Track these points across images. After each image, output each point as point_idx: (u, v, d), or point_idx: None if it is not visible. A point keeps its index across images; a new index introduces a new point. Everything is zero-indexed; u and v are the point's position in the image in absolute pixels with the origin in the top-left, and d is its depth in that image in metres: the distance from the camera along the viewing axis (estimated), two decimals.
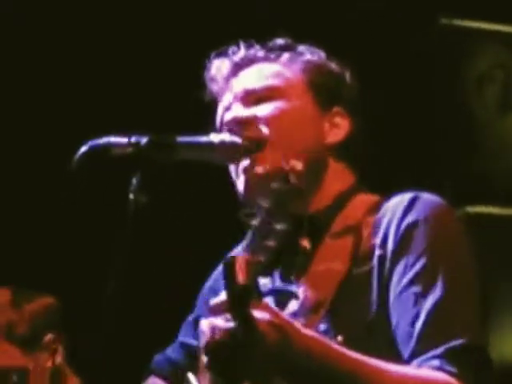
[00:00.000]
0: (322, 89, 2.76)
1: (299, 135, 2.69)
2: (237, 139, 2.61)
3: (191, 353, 2.82)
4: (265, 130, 2.66)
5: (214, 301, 2.17)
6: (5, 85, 4.78)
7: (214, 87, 2.81)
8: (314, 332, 2.34)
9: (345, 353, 2.32)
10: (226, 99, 2.77)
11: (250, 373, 2.22)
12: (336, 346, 2.34)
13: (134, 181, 2.41)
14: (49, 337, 3.66)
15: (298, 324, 2.29)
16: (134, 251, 2.37)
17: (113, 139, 2.50)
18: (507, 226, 4.86)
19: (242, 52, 2.81)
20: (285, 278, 2.67)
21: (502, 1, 4.88)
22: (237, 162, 2.66)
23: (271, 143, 2.65)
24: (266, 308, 2.20)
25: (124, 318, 2.37)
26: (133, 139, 2.49)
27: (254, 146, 2.65)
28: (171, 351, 2.91)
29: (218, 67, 2.81)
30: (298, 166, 2.58)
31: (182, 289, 3.03)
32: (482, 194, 4.90)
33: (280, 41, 2.85)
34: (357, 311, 2.53)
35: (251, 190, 2.65)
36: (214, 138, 2.60)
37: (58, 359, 3.67)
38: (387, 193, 2.72)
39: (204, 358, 2.20)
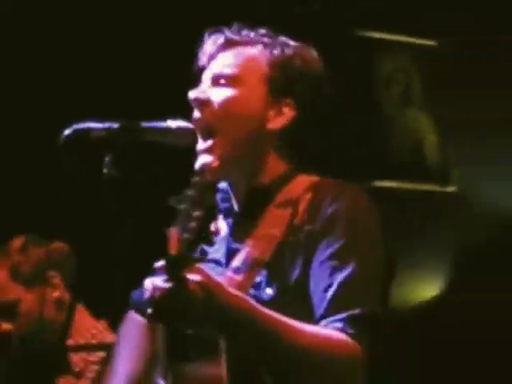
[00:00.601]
0: (278, 81, 2.61)
1: (243, 121, 2.60)
2: (190, 125, 2.57)
3: None
4: (216, 112, 2.60)
5: (157, 264, 2.20)
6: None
7: (200, 62, 2.71)
8: (239, 292, 2.36)
9: (264, 311, 2.35)
10: (205, 75, 2.69)
11: (185, 323, 2.29)
12: (258, 306, 2.36)
13: (107, 158, 2.44)
14: (50, 274, 3.74)
15: (225, 285, 2.31)
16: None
17: (91, 124, 2.50)
18: (405, 197, 4.92)
19: (226, 34, 2.68)
20: (234, 239, 2.64)
21: (404, 16, 4.80)
22: (191, 143, 2.63)
23: (220, 133, 2.59)
24: (199, 271, 2.22)
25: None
26: (107, 124, 2.49)
27: (205, 133, 2.61)
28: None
29: (207, 46, 2.69)
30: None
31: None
32: (386, 171, 4.92)
33: (263, 30, 2.69)
34: (286, 272, 2.51)
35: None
36: (171, 123, 2.56)
37: (57, 292, 3.73)
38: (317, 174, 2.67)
39: (149, 310, 2.24)
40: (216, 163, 2.59)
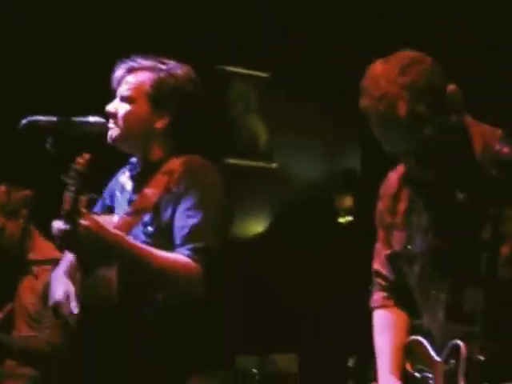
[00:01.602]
0: (157, 97, 2.60)
1: (135, 125, 2.61)
2: (103, 120, 2.57)
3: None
4: (119, 120, 2.61)
5: (62, 211, 2.30)
6: None
7: (113, 84, 2.68)
8: (118, 231, 2.40)
9: (134, 242, 2.41)
10: (117, 93, 2.66)
11: (79, 252, 2.41)
12: (129, 239, 2.40)
13: (49, 140, 2.47)
14: (23, 211, 3.69)
15: (107, 226, 2.36)
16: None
17: (40, 117, 2.51)
18: (250, 172, 4.94)
19: (128, 64, 2.65)
20: (134, 193, 2.65)
21: (248, 56, 4.68)
22: (104, 132, 2.61)
23: (119, 129, 2.62)
24: (88, 218, 2.30)
25: None
26: (49, 118, 2.50)
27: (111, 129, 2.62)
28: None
29: (116, 72, 2.67)
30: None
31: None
32: (234, 153, 4.90)
33: (152, 58, 2.65)
34: (162, 217, 2.53)
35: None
36: (91, 118, 2.56)
37: (21, 222, 3.69)
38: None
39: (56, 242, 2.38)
40: (114, 135, 2.61)
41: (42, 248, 3.70)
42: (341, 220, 4.98)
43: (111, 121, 2.61)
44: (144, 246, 2.42)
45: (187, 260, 2.42)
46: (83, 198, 2.30)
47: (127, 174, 2.73)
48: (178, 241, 2.46)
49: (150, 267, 2.40)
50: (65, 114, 2.51)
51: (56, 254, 3.39)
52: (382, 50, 2.10)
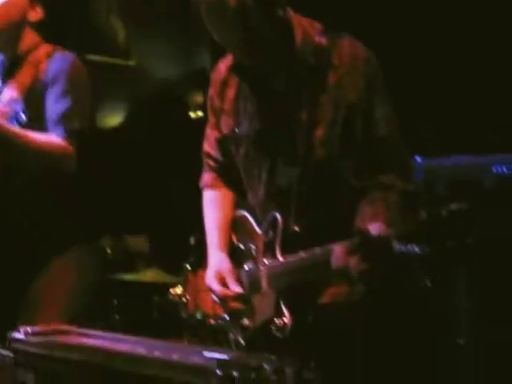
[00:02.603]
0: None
1: (13, 11, 2.46)
2: None
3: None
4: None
5: None
6: None
7: None
8: (8, 124, 2.35)
9: (20, 130, 2.33)
10: None
11: None
12: (15, 128, 2.34)
13: None
14: None
15: (4, 123, 2.32)
16: None
17: None
18: (108, 68, 4.55)
19: None
20: (2, 84, 2.52)
21: None
22: None
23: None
24: None
25: None
26: None
27: None
28: None
29: None
30: None
31: None
32: (95, 49, 4.37)
33: None
34: (32, 106, 2.43)
35: None
36: None
37: None
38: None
39: None
40: None
41: None
42: (192, 115, 4.77)
43: None
44: (23, 131, 2.37)
45: (60, 140, 2.37)
46: None
47: None
48: (50, 124, 2.39)
49: (29, 148, 2.34)
50: None
51: None
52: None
